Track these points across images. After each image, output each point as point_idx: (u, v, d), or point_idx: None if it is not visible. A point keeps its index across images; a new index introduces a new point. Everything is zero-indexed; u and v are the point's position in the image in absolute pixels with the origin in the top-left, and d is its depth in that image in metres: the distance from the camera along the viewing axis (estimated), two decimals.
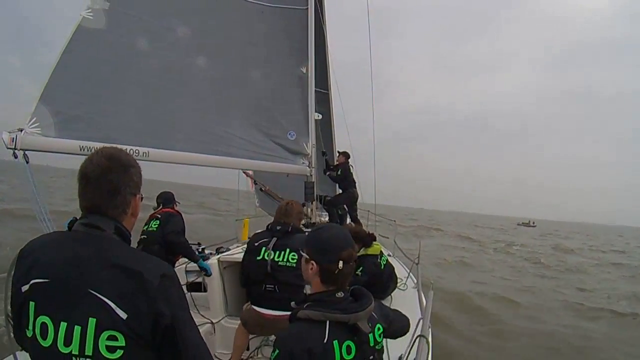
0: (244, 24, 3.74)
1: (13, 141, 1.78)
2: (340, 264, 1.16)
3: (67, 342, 0.78)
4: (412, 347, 1.96)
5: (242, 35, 3.73)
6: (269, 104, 3.82)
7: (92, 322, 0.78)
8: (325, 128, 5.59)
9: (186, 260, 3.41)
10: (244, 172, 4.00)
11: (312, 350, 1.05)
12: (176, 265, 3.39)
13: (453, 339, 5.19)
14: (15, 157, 1.79)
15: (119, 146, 2.20)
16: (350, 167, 5.68)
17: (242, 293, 3.71)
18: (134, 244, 1.05)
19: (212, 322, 3.21)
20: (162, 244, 3.21)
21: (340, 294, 1.17)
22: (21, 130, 1.84)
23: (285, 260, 2.39)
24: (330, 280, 1.18)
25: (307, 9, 3.97)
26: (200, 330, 3.49)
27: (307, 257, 1.22)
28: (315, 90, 4.26)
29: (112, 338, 0.79)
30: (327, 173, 5.72)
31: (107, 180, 0.90)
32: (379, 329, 1.21)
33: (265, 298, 2.42)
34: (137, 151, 2.27)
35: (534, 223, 71.45)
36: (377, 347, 1.19)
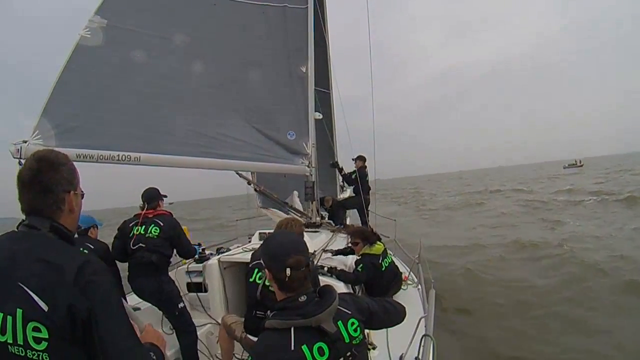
0: (244, 26, 3.83)
1: (19, 151, 2.10)
2: (288, 270, 1.16)
3: (3, 331, 0.84)
4: (419, 347, 1.98)
5: (242, 38, 3.82)
6: (268, 105, 3.90)
7: (19, 312, 0.83)
8: (325, 128, 5.61)
9: (188, 260, 3.44)
10: (237, 174, 4.12)
11: (280, 359, 1.06)
12: (179, 266, 3.46)
13: None
14: (21, 164, 2.08)
15: (111, 152, 2.48)
16: (367, 172, 5.72)
17: (243, 293, 3.86)
18: None
19: (218, 323, 3.26)
20: (164, 251, 2.93)
21: (302, 298, 1.17)
22: (25, 142, 2.16)
23: None
24: (284, 287, 1.19)
25: (307, 8, 3.96)
26: (201, 331, 3.65)
27: (263, 264, 1.25)
28: (316, 90, 4.26)
29: (36, 329, 0.83)
30: (343, 173, 5.85)
31: (38, 181, 0.95)
32: (352, 323, 1.20)
33: (256, 326, 2.28)
34: (128, 156, 2.50)
35: (580, 162, 65.55)
36: (354, 342, 1.18)
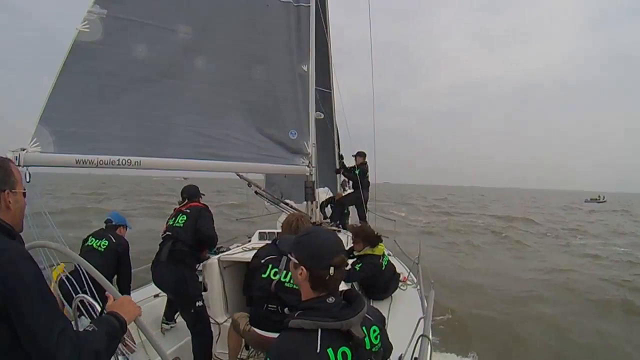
0: (247, 19, 3.73)
1: (17, 159, 2.07)
2: (332, 270, 1.15)
3: None
4: (415, 347, 2.03)
5: (245, 31, 3.71)
6: (269, 103, 3.83)
7: None
8: (328, 127, 5.58)
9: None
10: (238, 175, 4.12)
11: None
12: None
13: None
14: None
15: (111, 157, 2.45)
16: (367, 168, 5.77)
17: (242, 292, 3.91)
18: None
19: (217, 323, 3.36)
20: (186, 240, 3.02)
21: (331, 299, 1.16)
22: (24, 150, 2.13)
23: (293, 282, 2.18)
24: (320, 286, 1.17)
25: (309, 6, 3.87)
26: None
27: (297, 262, 1.20)
28: (317, 89, 4.20)
29: None
30: (343, 172, 5.92)
31: None
32: (374, 331, 1.20)
33: (267, 319, 2.32)
34: (128, 161, 2.47)
35: (603, 198, 61.97)
36: (373, 349, 1.19)
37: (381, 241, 3.85)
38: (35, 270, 1.06)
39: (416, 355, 1.98)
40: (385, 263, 3.84)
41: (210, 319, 3.40)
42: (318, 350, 1.06)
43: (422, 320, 2.41)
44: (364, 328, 1.16)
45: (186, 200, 3.34)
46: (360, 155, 5.88)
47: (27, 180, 1.99)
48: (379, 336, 1.22)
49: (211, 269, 3.52)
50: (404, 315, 3.20)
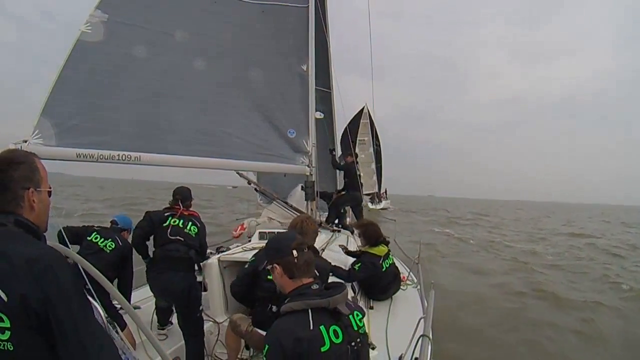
0: (244, 24, 3.80)
1: None
2: (295, 252, 1.30)
3: None
4: (415, 347, 2.01)
5: (242, 36, 3.80)
6: (269, 103, 3.88)
7: None
8: (327, 126, 5.62)
9: None
10: (238, 173, 4.12)
11: (300, 338, 1.13)
12: None
13: None
14: None
15: (112, 152, 2.47)
16: (357, 168, 5.65)
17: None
18: None
19: (217, 322, 3.28)
20: (199, 250, 3.08)
21: (315, 286, 1.27)
22: (25, 142, 2.15)
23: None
24: (296, 272, 1.30)
25: (308, 7, 3.94)
26: None
27: (271, 265, 1.35)
28: (317, 89, 4.24)
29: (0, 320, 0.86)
30: (333, 162, 5.83)
31: None
32: (357, 314, 1.31)
33: (270, 320, 2.40)
34: (128, 156, 2.49)
35: None
36: (360, 331, 1.28)
37: (386, 243, 3.80)
38: (74, 277, 0.98)
39: (416, 355, 1.96)
40: (387, 265, 3.79)
41: (210, 319, 3.37)
42: (311, 328, 1.14)
43: (422, 320, 2.39)
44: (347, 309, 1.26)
45: (180, 203, 3.16)
46: (350, 154, 5.83)
47: None
48: (362, 320, 1.32)
49: (211, 268, 3.49)
50: (404, 315, 3.17)
